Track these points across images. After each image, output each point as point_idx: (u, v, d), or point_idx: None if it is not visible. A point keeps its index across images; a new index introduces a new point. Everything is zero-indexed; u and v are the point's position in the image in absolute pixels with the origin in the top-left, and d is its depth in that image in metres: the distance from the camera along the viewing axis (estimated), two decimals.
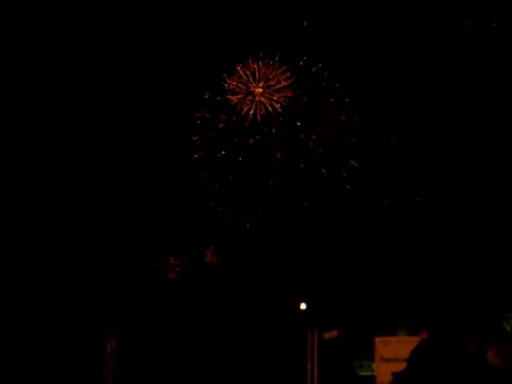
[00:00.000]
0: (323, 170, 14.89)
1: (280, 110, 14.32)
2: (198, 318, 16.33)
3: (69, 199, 15.85)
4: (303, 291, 16.42)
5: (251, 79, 14.31)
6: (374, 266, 15.75)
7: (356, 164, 14.79)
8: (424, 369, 4.25)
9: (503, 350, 6.05)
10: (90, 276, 15.90)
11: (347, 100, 14.69)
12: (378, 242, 15.88)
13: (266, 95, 14.28)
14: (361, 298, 15.20)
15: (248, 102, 14.35)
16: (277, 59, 14.44)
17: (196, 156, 14.93)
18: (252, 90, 14.26)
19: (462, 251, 15.05)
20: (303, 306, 16.59)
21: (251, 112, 14.28)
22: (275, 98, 14.34)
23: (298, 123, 14.81)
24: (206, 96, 14.74)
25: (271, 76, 14.32)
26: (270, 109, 14.33)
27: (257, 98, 14.23)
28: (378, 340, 12.99)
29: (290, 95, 14.40)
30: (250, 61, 14.29)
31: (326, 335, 15.11)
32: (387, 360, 12.65)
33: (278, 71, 14.35)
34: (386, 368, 12.43)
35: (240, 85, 14.36)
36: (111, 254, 16.09)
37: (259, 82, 14.26)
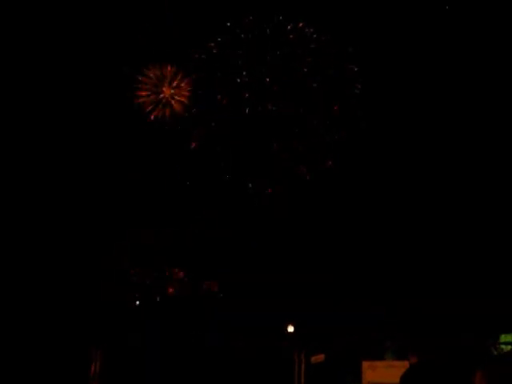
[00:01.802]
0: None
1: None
2: (185, 338, 16.19)
3: (54, 218, 15.76)
4: (291, 314, 16.34)
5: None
6: (362, 289, 15.73)
7: None
8: None
9: (490, 376, 6.01)
10: (74, 296, 15.75)
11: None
12: (365, 266, 15.88)
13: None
14: (348, 322, 15.14)
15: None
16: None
17: None
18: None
19: (448, 276, 15.07)
20: (291, 329, 16.50)
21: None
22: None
23: None
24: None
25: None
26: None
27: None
28: (365, 364, 12.91)
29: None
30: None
31: (313, 359, 15.00)
32: None
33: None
34: None
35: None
36: (97, 272, 15.97)
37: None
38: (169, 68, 14.66)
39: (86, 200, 15.89)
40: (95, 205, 15.97)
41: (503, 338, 14.25)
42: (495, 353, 13.62)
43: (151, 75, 14.53)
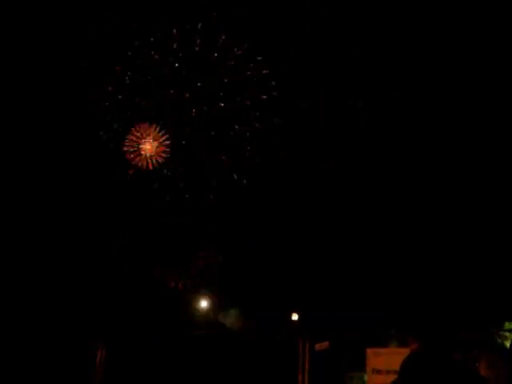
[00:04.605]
0: None
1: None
2: (188, 328, 16.26)
3: (52, 216, 15.79)
4: (295, 302, 16.39)
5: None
6: (366, 277, 15.75)
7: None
8: (415, 380, 4.25)
9: (495, 363, 6.05)
10: (78, 286, 15.80)
11: None
12: (368, 254, 15.89)
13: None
14: (353, 309, 15.18)
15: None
16: None
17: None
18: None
19: (452, 264, 15.07)
20: (295, 317, 16.56)
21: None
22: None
23: None
24: None
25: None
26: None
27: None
28: (369, 351, 12.90)
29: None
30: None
31: (318, 346, 15.06)
32: (379, 371, 12.57)
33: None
34: (378, 379, 12.37)
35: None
36: (100, 263, 16.01)
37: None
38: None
39: (86, 200, 15.93)
40: (95, 205, 16.01)
41: (507, 325, 14.28)
42: (499, 340, 13.64)
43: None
